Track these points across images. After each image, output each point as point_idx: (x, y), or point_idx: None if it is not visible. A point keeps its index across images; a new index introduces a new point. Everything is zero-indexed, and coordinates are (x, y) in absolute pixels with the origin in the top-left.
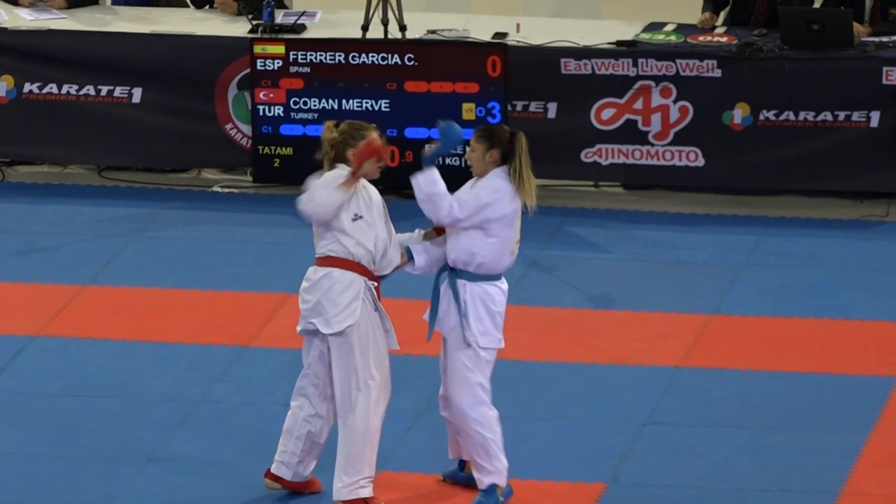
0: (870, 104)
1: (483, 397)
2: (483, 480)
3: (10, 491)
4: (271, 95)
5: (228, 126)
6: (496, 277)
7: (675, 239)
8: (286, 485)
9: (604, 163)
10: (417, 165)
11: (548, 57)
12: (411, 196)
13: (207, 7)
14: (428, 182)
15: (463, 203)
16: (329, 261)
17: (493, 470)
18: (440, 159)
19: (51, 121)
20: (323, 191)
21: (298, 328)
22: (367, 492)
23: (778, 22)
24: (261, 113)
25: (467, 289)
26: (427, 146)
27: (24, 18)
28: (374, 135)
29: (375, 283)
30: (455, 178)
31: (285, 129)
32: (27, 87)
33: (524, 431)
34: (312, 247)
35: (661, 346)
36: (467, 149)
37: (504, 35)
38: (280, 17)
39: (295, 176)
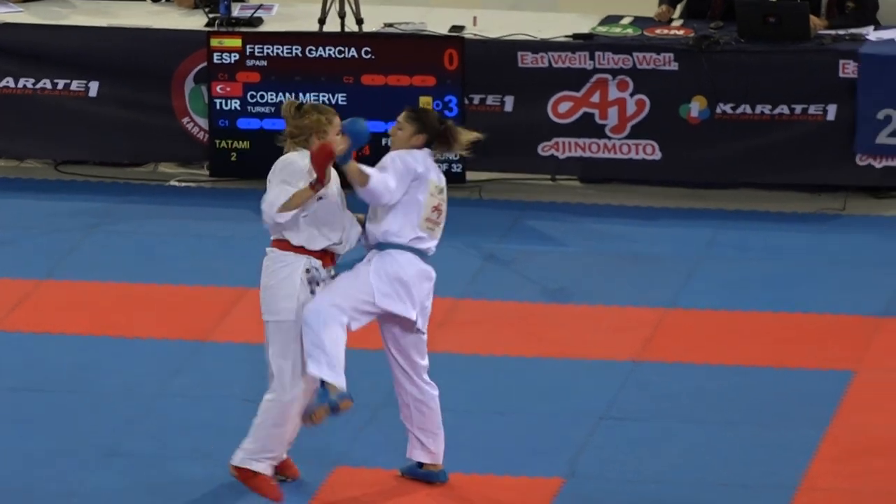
0: (826, 97)
1: (339, 315)
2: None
3: None
4: (228, 89)
5: (185, 120)
6: (404, 247)
7: (632, 232)
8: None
9: (561, 156)
10: (374, 160)
11: (505, 50)
12: None
13: (164, 0)
14: (360, 175)
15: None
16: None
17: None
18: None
19: (7, 115)
20: (283, 200)
21: None
22: (260, 466)
23: (735, 15)
24: (217, 107)
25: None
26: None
27: None
28: (331, 134)
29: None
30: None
31: (242, 123)
32: None
33: (481, 426)
34: (264, 240)
35: (619, 340)
36: (394, 125)
37: (461, 28)
38: (237, 11)
39: (252, 170)
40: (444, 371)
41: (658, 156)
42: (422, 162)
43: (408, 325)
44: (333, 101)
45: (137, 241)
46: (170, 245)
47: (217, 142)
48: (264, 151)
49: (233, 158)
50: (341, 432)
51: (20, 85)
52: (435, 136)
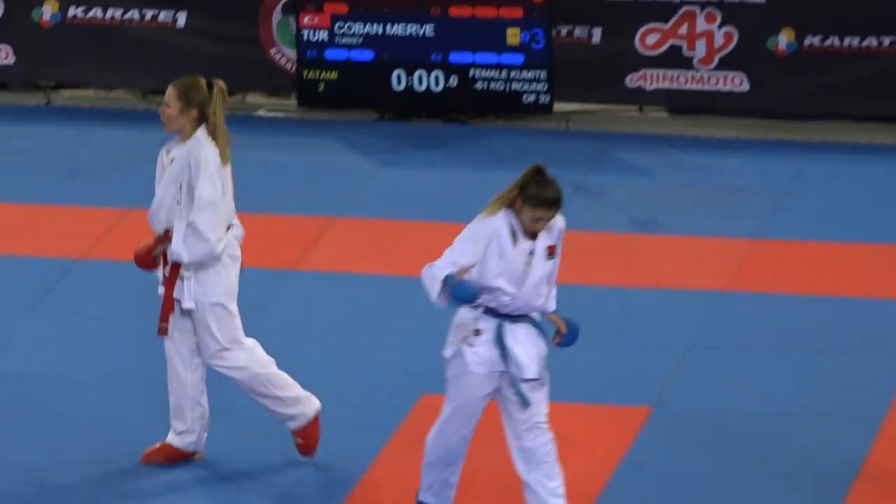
0: None
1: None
2: None
3: (52, 414)
4: (315, 20)
5: (273, 51)
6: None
7: (719, 164)
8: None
9: (648, 88)
10: (461, 90)
11: None
12: (455, 120)
13: None
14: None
15: None
16: None
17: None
18: None
19: (95, 45)
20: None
21: None
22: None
23: None
24: (305, 38)
25: None
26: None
27: None
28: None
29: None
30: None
31: (330, 54)
32: (71, 11)
33: (569, 355)
34: (357, 171)
35: (706, 270)
36: None
37: None
38: None
39: (339, 100)
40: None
41: (746, 87)
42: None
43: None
44: (421, 33)
45: None
46: (258, 175)
47: (305, 72)
48: (352, 82)
49: (320, 89)
50: (426, 361)
51: (108, 16)
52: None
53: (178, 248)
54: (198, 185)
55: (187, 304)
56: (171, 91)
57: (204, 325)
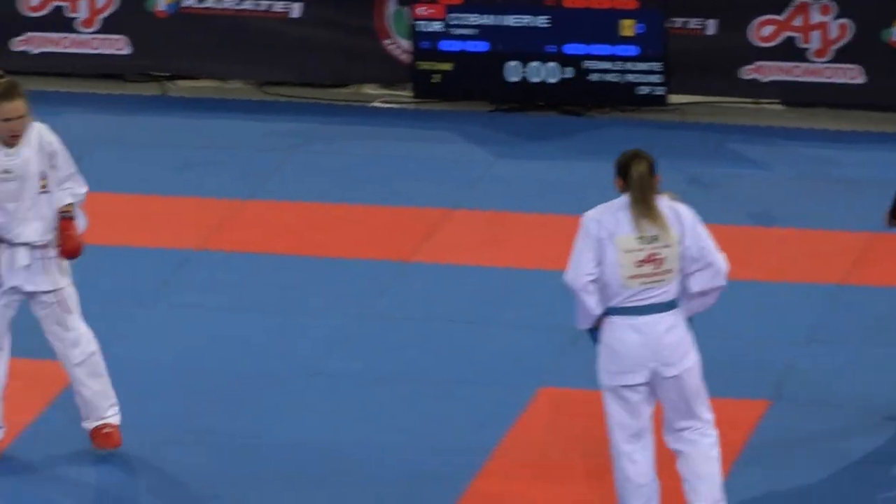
0: None
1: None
2: None
3: (175, 404)
4: (431, 11)
5: (388, 41)
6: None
7: (836, 156)
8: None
9: (763, 80)
10: (576, 82)
11: None
12: (569, 112)
13: None
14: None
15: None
16: None
17: None
18: None
19: (211, 35)
20: None
21: None
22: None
23: None
24: (420, 28)
25: None
26: None
27: None
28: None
29: None
30: None
31: (445, 45)
32: (186, 1)
33: None
34: (472, 163)
35: (824, 263)
36: None
37: None
38: None
39: (454, 91)
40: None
41: (862, 80)
42: (597, 220)
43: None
44: (535, 24)
45: (340, 162)
46: (372, 166)
47: (419, 63)
48: (466, 73)
49: (435, 80)
50: (543, 355)
51: (224, 5)
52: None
53: None
54: None
55: None
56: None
57: None
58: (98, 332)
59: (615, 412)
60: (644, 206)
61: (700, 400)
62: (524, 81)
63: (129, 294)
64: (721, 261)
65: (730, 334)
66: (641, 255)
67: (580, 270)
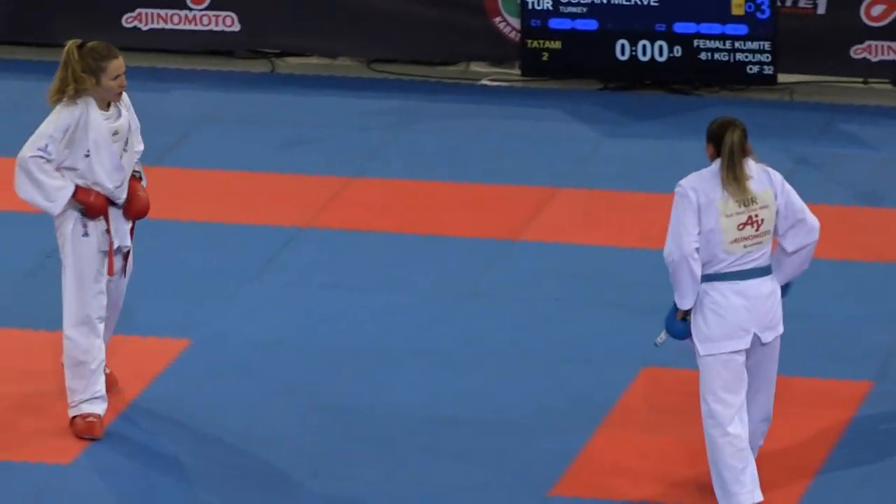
0: None
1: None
2: None
3: (278, 381)
4: None
5: (497, 19)
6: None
7: None
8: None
9: (873, 59)
10: (685, 61)
11: None
12: (678, 91)
13: None
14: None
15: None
16: None
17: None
18: None
19: (320, 13)
20: (47, 179)
21: None
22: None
23: None
24: (530, 6)
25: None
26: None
27: None
28: (112, 80)
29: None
30: None
31: (554, 23)
32: None
33: (788, 328)
34: (581, 141)
35: None
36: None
37: None
38: None
39: (563, 70)
40: None
41: None
42: (693, 188)
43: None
44: (645, 3)
45: (448, 140)
46: (480, 144)
47: (528, 41)
48: (576, 52)
49: (544, 58)
50: (646, 334)
51: None
52: (717, 141)
53: None
54: None
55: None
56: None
57: None
58: (203, 309)
59: (718, 379)
60: (739, 170)
61: (772, 383)
62: (633, 60)
63: (234, 271)
64: (812, 216)
65: (831, 314)
66: (742, 218)
67: (684, 239)
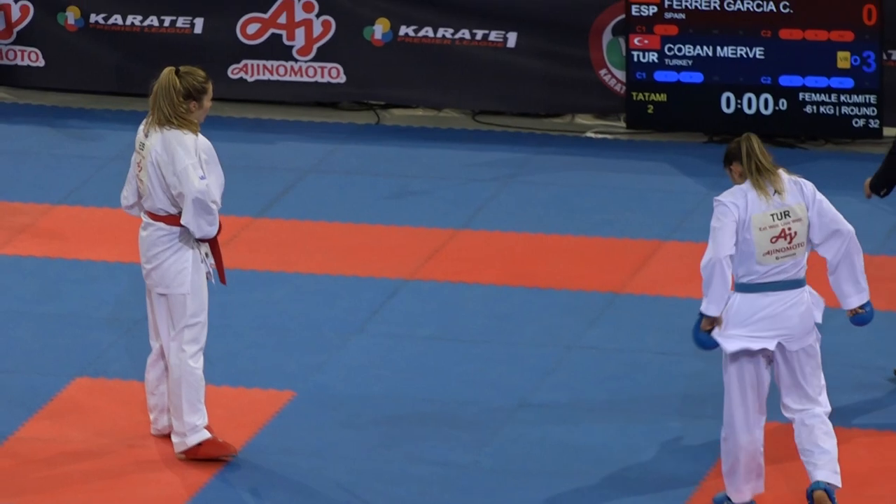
0: None
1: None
2: None
3: (378, 433)
4: (646, 41)
5: (602, 72)
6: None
7: None
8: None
9: None
10: (791, 114)
11: None
12: (783, 144)
13: None
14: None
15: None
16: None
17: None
18: None
19: (426, 64)
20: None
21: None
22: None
23: None
24: (635, 59)
25: None
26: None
27: None
28: (209, 101)
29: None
30: None
31: (659, 76)
32: (403, 29)
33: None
34: (686, 194)
35: None
36: None
37: None
38: None
39: (669, 122)
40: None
41: None
42: (734, 203)
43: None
44: (750, 55)
45: (553, 193)
46: (585, 196)
47: (634, 94)
48: (681, 104)
49: (649, 111)
50: None
51: (439, 35)
52: (740, 157)
53: None
54: None
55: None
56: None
57: None
58: (307, 360)
59: (739, 380)
60: (770, 178)
61: (815, 381)
62: (738, 112)
63: (339, 323)
64: (846, 224)
65: None
66: (776, 232)
67: (721, 248)
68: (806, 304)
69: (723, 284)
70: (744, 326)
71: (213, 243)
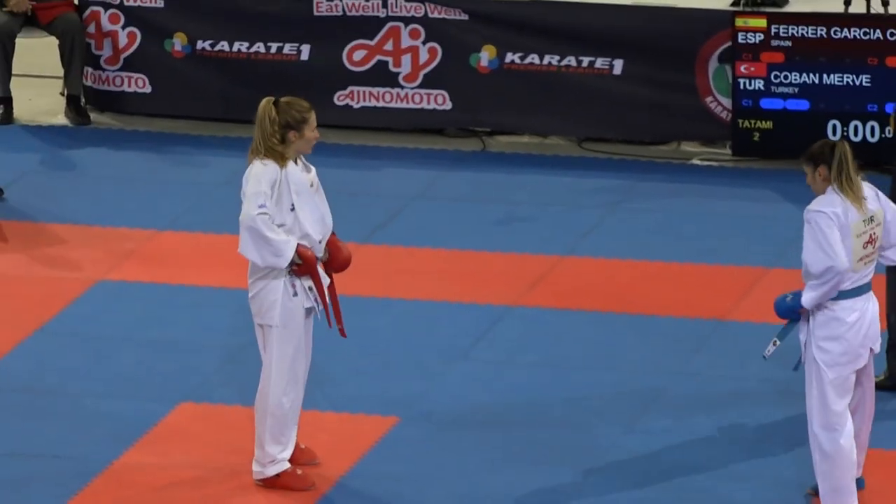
0: None
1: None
2: None
3: (482, 459)
4: (752, 69)
5: (708, 99)
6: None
7: None
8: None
9: None
10: None
11: None
12: (890, 171)
13: None
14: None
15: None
16: None
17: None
18: None
19: (532, 91)
20: (275, 236)
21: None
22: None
23: None
24: (741, 86)
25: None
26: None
27: None
28: (312, 131)
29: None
30: None
31: (765, 103)
32: (509, 56)
33: None
34: (791, 221)
35: None
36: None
37: None
38: None
39: (775, 150)
40: None
41: None
42: (835, 212)
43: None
44: (857, 83)
45: (659, 219)
46: (691, 223)
47: (740, 121)
48: (787, 132)
49: (755, 138)
50: None
51: (545, 62)
52: (831, 161)
53: None
54: None
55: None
56: None
57: None
58: (412, 386)
59: (840, 398)
60: (858, 186)
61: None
62: (846, 140)
63: (443, 348)
64: None
65: None
66: (866, 237)
67: (841, 259)
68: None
69: (837, 289)
70: (848, 351)
71: (320, 282)
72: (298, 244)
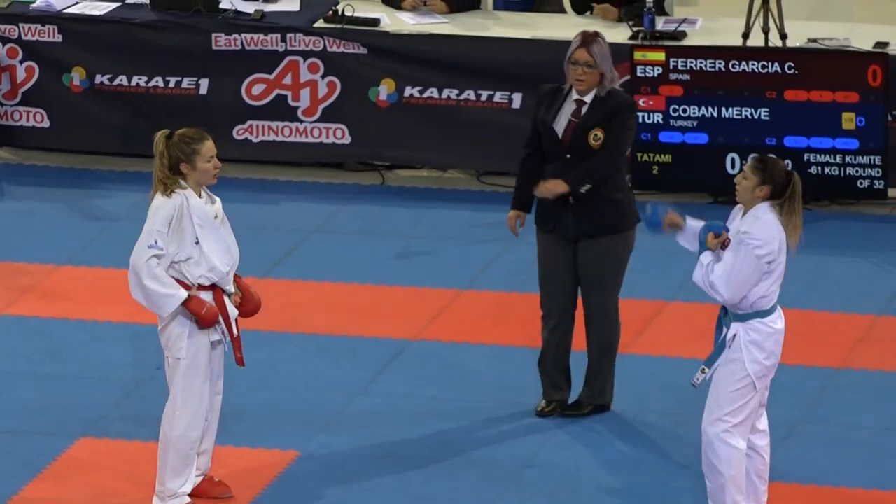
0: None
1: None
2: None
3: (382, 492)
4: (651, 102)
5: None
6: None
7: None
8: None
9: None
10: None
11: None
12: None
13: (588, 13)
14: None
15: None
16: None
17: None
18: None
19: (430, 125)
20: (155, 287)
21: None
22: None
23: None
24: (640, 120)
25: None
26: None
27: (406, 22)
28: (207, 162)
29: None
30: None
31: (664, 137)
32: (408, 90)
33: None
34: (691, 255)
35: None
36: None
37: (885, 44)
38: (661, 24)
39: (674, 183)
40: (863, 389)
41: None
42: (770, 251)
43: None
44: (755, 116)
45: None
46: None
47: (639, 155)
48: (686, 165)
49: (654, 171)
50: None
51: (444, 96)
52: (780, 189)
53: None
54: None
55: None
56: None
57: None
58: (311, 420)
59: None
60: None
61: None
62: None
63: (343, 383)
64: None
65: None
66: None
67: (740, 294)
68: None
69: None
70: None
71: (227, 316)
72: (194, 300)
